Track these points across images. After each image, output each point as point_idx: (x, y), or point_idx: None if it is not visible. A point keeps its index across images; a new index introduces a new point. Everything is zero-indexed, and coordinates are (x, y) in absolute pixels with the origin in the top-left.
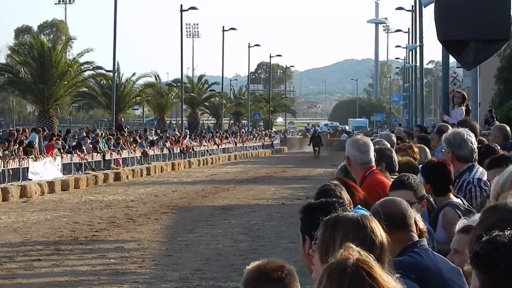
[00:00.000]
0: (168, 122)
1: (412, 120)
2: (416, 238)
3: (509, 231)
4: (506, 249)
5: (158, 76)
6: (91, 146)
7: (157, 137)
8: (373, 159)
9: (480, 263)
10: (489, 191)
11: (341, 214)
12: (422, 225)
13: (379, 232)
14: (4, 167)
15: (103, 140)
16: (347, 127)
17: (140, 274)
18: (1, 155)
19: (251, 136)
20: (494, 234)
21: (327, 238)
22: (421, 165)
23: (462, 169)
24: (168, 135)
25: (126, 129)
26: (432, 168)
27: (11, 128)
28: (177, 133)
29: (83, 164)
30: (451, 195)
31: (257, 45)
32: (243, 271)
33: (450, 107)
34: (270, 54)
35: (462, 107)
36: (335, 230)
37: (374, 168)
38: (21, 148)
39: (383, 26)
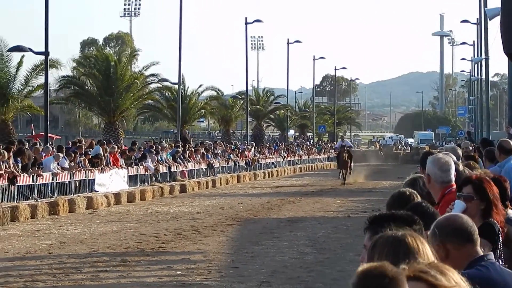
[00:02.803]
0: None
1: (478, 133)
2: (481, 252)
3: None
4: None
5: (219, 90)
6: (155, 158)
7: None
8: (453, 178)
9: None
10: None
11: (382, 234)
12: None
13: (418, 247)
14: (71, 178)
15: (168, 153)
16: (412, 140)
17: (206, 286)
18: (68, 166)
19: (314, 149)
20: None
21: (368, 256)
22: None
23: None
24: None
25: (191, 141)
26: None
27: (77, 139)
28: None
29: (149, 176)
30: (510, 211)
31: (322, 57)
32: (308, 285)
33: None
34: (335, 66)
35: None
36: (373, 249)
37: (454, 186)
38: (87, 159)
39: (448, 39)
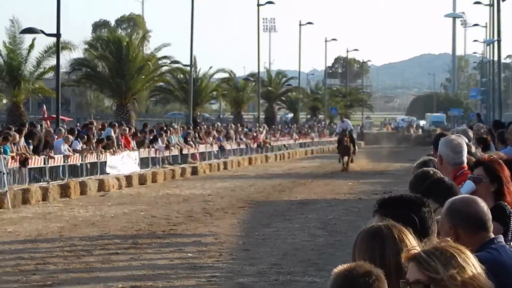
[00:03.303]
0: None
1: (490, 115)
2: (493, 235)
3: None
4: None
5: (232, 72)
6: (166, 140)
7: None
8: (465, 160)
9: None
10: None
11: (362, 230)
12: None
13: (396, 238)
14: (82, 161)
15: (180, 135)
16: (424, 122)
17: (217, 268)
18: (80, 149)
19: (326, 131)
20: None
21: (352, 254)
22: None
23: None
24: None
25: (203, 124)
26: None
27: (88, 121)
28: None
29: (161, 159)
30: None
31: (334, 39)
32: (320, 267)
33: None
34: (347, 48)
35: None
36: (354, 246)
37: (466, 168)
38: (99, 142)
39: (461, 21)
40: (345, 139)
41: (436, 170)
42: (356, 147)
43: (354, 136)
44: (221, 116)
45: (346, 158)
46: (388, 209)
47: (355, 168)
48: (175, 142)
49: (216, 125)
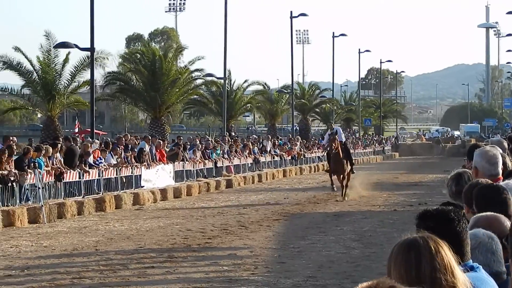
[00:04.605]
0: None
1: None
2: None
3: None
4: None
5: (266, 84)
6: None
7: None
8: (500, 171)
9: None
10: None
11: (398, 242)
12: None
13: (432, 250)
14: (117, 174)
15: (215, 150)
16: (458, 133)
17: (252, 282)
18: (115, 162)
19: (360, 142)
20: None
21: (387, 267)
22: None
23: None
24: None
25: (236, 136)
26: None
27: (122, 135)
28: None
29: (195, 172)
30: None
31: (367, 50)
32: (355, 279)
33: None
34: (381, 59)
35: None
36: (389, 259)
37: (501, 180)
38: (133, 155)
39: (494, 31)
40: (336, 151)
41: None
42: (353, 164)
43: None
44: (249, 128)
45: (339, 177)
46: (427, 222)
47: (351, 195)
48: (210, 155)
49: (250, 138)
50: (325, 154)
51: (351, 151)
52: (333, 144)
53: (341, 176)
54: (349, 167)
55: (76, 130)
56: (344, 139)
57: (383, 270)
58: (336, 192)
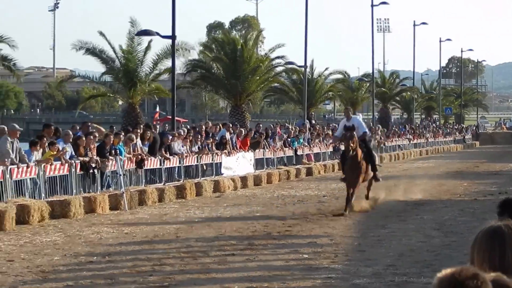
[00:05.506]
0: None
1: None
2: None
3: None
4: None
5: (346, 73)
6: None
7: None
8: None
9: None
10: None
11: (481, 229)
12: None
13: None
14: (197, 162)
15: (293, 139)
16: None
17: (333, 270)
18: (197, 150)
19: (440, 131)
20: None
21: (470, 253)
22: None
23: None
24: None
25: (317, 125)
26: None
27: (202, 123)
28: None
29: (275, 160)
30: None
31: (448, 39)
32: (435, 268)
33: None
34: (462, 48)
35: None
36: (473, 246)
37: None
38: (214, 143)
39: None
40: (354, 153)
41: None
42: (377, 166)
43: (372, 144)
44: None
45: (352, 187)
46: (509, 210)
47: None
48: (289, 143)
49: (330, 126)
50: (340, 154)
51: (432, 139)
52: (351, 144)
53: (354, 188)
54: (370, 173)
55: (157, 117)
56: (365, 130)
57: (464, 259)
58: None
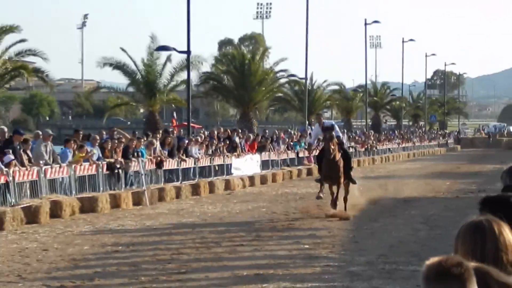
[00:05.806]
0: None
1: None
2: None
3: None
4: None
5: (342, 84)
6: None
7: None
8: None
9: None
10: None
11: (465, 222)
12: None
13: (496, 232)
14: (210, 163)
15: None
16: None
17: (331, 259)
18: (211, 152)
19: (426, 136)
20: None
21: (454, 246)
22: None
23: None
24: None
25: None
26: None
27: (215, 129)
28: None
29: (279, 161)
30: None
31: (433, 54)
32: (422, 257)
33: None
34: (445, 62)
35: None
36: (457, 238)
37: None
38: (225, 146)
39: None
40: (334, 155)
41: None
42: (350, 170)
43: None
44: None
45: (337, 185)
46: (489, 207)
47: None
48: (292, 146)
49: None
50: (316, 154)
51: (418, 143)
52: (331, 146)
53: (337, 186)
54: (341, 172)
55: (173, 123)
56: (340, 135)
57: (448, 249)
58: (323, 199)
